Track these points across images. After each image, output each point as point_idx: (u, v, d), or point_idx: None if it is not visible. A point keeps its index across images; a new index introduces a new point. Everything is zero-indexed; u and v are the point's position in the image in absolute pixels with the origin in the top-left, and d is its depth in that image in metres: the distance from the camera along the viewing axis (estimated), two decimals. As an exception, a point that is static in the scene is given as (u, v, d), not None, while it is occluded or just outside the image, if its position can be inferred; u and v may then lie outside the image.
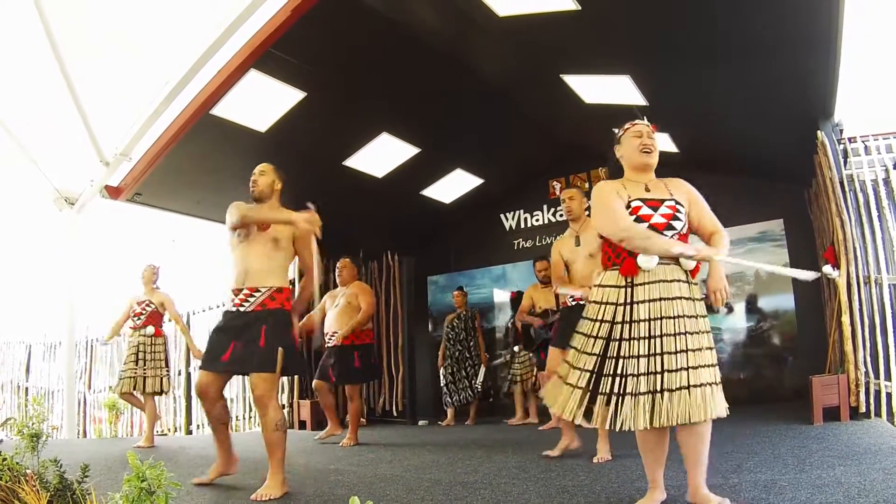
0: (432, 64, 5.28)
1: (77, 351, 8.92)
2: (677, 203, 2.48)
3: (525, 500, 2.76)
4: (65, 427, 7.27)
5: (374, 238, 8.22)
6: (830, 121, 4.90)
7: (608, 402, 2.30)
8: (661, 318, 2.31)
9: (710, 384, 2.27)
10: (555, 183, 7.86)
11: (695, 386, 2.24)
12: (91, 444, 6.43)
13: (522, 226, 8.16)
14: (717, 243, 2.47)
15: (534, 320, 5.77)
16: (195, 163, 5.88)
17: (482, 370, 7.04)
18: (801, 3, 3.63)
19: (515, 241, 8.18)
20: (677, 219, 2.44)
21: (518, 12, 4.34)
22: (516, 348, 6.87)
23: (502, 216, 8.30)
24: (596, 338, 2.39)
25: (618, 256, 2.45)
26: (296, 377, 7.20)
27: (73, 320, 7.11)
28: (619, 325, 2.35)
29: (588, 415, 2.36)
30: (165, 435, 8.29)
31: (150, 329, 5.57)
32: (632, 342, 2.31)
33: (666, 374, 2.25)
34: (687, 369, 2.25)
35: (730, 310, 6.59)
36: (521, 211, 8.16)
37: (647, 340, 2.30)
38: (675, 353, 2.27)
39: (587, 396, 2.35)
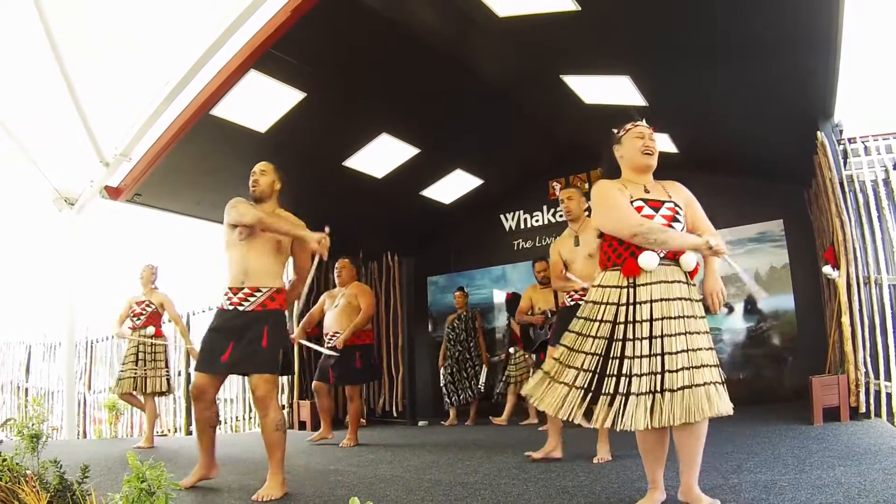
0: (432, 64, 5.28)
1: (77, 351, 8.92)
2: (676, 205, 2.50)
3: (525, 500, 2.76)
4: (65, 428, 7.26)
5: (374, 238, 8.22)
6: (830, 121, 4.90)
7: (612, 403, 2.29)
8: (663, 319, 2.31)
9: (711, 383, 2.27)
10: (555, 183, 7.86)
11: (695, 385, 2.24)
12: (91, 444, 6.42)
13: (522, 226, 8.16)
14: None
15: (533, 320, 5.78)
16: (195, 163, 5.88)
17: (484, 370, 7.04)
18: (801, 3, 3.64)
19: (515, 242, 8.18)
20: (677, 220, 2.45)
21: (518, 13, 4.35)
22: (512, 350, 6.88)
23: (502, 217, 8.30)
24: (597, 338, 2.38)
25: (618, 257, 2.44)
26: (296, 378, 7.21)
27: (73, 321, 7.10)
28: (623, 326, 2.34)
29: (588, 415, 2.36)
30: (165, 435, 8.29)
31: (151, 329, 5.57)
32: (635, 342, 2.31)
33: (667, 374, 2.25)
34: (688, 369, 2.25)
35: (730, 310, 6.59)
36: (521, 211, 8.17)
37: (648, 341, 2.30)
38: (677, 353, 2.27)
39: (589, 397, 2.34)
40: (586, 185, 7.30)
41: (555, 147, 7.32)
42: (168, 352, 5.81)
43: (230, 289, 3.22)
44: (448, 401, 7.15)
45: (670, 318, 2.31)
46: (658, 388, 2.24)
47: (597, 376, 2.34)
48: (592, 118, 5.91)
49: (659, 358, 2.27)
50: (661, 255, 2.39)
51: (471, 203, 8.00)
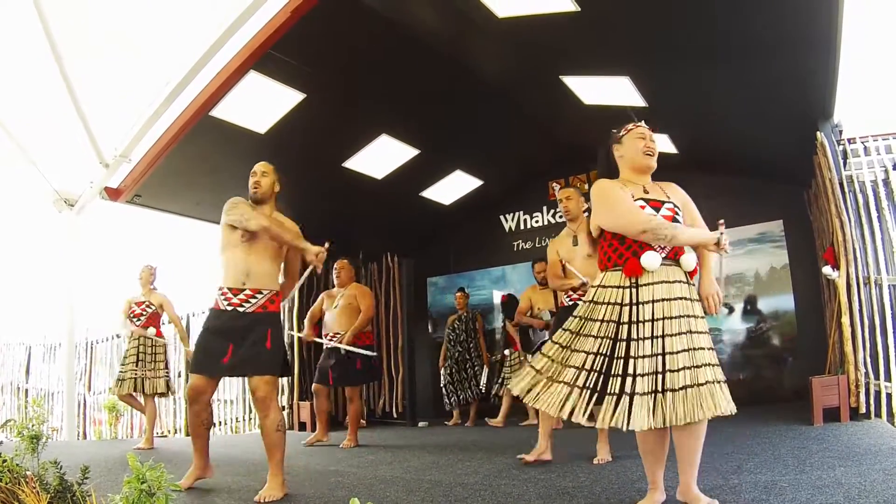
0: (432, 65, 5.28)
1: (77, 352, 8.91)
2: (675, 206, 2.51)
3: (525, 501, 2.76)
4: (65, 429, 7.26)
5: (374, 239, 8.22)
6: (830, 121, 4.90)
7: (617, 403, 2.27)
8: (664, 319, 2.31)
9: (713, 383, 2.27)
10: (554, 184, 7.78)
11: (698, 385, 2.24)
12: (91, 445, 6.42)
13: (522, 227, 8.16)
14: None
15: (533, 322, 5.78)
16: (195, 164, 5.88)
17: (485, 371, 7.04)
18: (801, 3, 3.64)
19: (515, 243, 8.18)
20: (676, 221, 2.46)
21: (517, 13, 4.35)
22: (507, 351, 6.88)
23: (502, 217, 8.30)
24: (599, 337, 2.36)
25: (619, 257, 2.44)
26: (296, 379, 7.21)
27: (73, 322, 7.10)
28: (626, 326, 2.34)
29: (589, 415, 2.35)
30: (165, 437, 8.29)
31: (152, 330, 5.58)
32: (638, 342, 2.30)
33: (669, 373, 2.25)
34: (689, 368, 2.25)
35: (730, 310, 6.59)
36: (521, 212, 8.17)
37: (651, 340, 2.30)
38: (678, 352, 2.27)
39: (594, 397, 2.32)
40: (586, 186, 7.29)
41: (555, 148, 7.32)
42: (168, 353, 5.82)
43: (229, 289, 3.20)
44: (448, 401, 7.16)
45: (671, 317, 2.31)
46: (660, 388, 2.24)
47: (601, 376, 2.33)
48: (592, 119, 5.91)
49: (660, 358, 2.27)
50: (663, 255, 2.39)
51: (471, 204, 8.00)
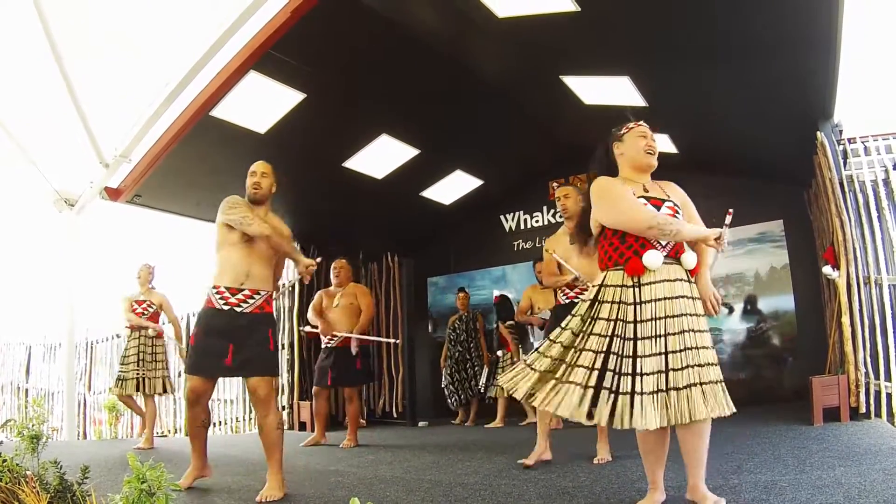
0: (432, 65, 5.28)
1: (77, 352, 8.91)
2: (675, 204, 2.51)
3: (525, 501, 2.76)
4: (65, 428, 7.27)
5: (374, 239, 8.22)
6: (830, 121, 4.90)
7: (627, 402, 2.25)
8: (666, 318, 2.31)
9: (715, 382, 2.27)
10: (554, 184, 7.85)
11: (700, 384, 2.24)
12: (91, 445, 6.42)
13: (522, 227, 8.16)
14: (705, 247, 2.50)
15: (533, 320, 5.78)
16: (195, 164, 5.88)
17: (485, 371, 7.05)
18: (801, 3, 3.64)
19: (515, 243, 8.18)
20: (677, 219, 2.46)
21: (518, 13, 4.34)
22: (500, 352, 6.89)
23: (502, 217, 8.30)
24: (608, 336, 2.35)
25: (620, 256, 2.44)
26: (296, 379, 7.21)
27: (73, 322, 7.10)
28: (632, 325, 2.33)
29: (590, 415, 2.34)
30: (165, 436, 8.29)
31: (152, 330, 5.58)
32: (643, 341, 2.30)
33: (672, 372, 2.25)
34: (693, 367, 2.25)
35: (730, 310, 6.59)
36: (521, 212, 8.16)
37: (653, 340, 2.29)
38: (681, 351, 2.27)
39: (610, 396, 2.29)
40: (586, 186, 7.27)
41: (555, 148, 7.31)
42: (168, 352, 5.82)
43: (227, 288, 3.18)
44: (450, 401, 7.17)
45: (674, 316, 2.31)
46: (665, 387, 2.24)
47: (615, 376, 2.31)
48: (592, 119, 5.91)
49: (663, 357, 2.27)
50: (664, 253, 2.39)
51: (471, 204, 8.00)
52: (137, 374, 5.41)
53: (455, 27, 4.95)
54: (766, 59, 4.23)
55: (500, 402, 6.74)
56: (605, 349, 2.34)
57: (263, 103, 5.23)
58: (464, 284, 8.00)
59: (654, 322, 2.31)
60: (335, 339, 5.42)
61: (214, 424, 8.09)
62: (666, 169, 2.65)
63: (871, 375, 4.35)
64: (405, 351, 7.91)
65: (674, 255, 2.43)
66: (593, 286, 2.51)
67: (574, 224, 3.85)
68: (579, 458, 3.82)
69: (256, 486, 3.15)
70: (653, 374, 2.26)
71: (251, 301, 3.19)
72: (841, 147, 4.94)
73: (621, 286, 2.40)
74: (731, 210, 2.43)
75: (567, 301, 3.81)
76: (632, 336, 2.32)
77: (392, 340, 5.32)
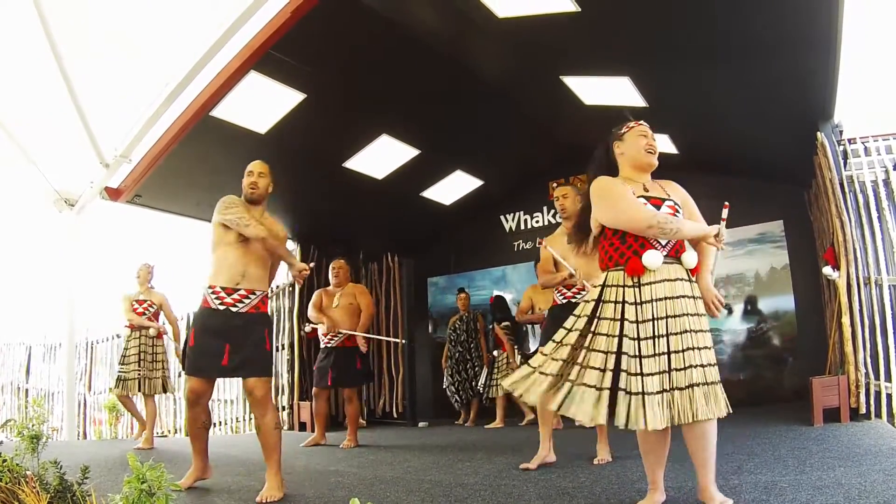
0: (432, 65, 5.28)
1: (77, 352, 8.91)
2: (675, 203, 2.51)
3: (525, 501, 2.76)
4: (65, 428, 7.26)
5: (375, 240, 8.22)
6: (830, 122, 4.90)
7: (631, 403, 2.24)
8: (668, 317, 2.31)
9: (716, 382, 2.27)
10: (555, 184, 7.85)
11: (703, 384, 2.24)
12: (91, 445, 6.42)
13: (522, 227, 8.16)
14: (706, 248, 2.50)
15: (534, 319, 5.78)
16: (195, 165, 5.88)
17: (485, 371, 7.05)
18: (801, 3, 3.64)
19: (515, 243, 8.18)
20: (677, 219, 2.46)
21: (518, 13, 4.34)
22: (496, 353, 6.88)
23: (502, 218, 8.30)
24: (614, 336, 2.34)
25: (621, 256, 2.43)
26: (296, 379, 7.21)
27: (73, 322, 7.10)
28: (634, 325, 2.32)
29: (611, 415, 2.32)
30: (165, 436, 8.29)
31: (153, 329, 5.58)
32: (645, 342, 2.30)
33: (674, 372, 2.25)
34: (694, 367, 2.25)
35: (730, 311, 6.59)
36: (522, 212, 8.17)
37: (655, 340, 2.29)
38: (683, 350, 2.27)
39: (630, 398, 2.27)
40: (585, 186, 7.26)
41: (555, 148, 7.31)
42: (168, 352, 5.83)
43: (223, 288, 3.17)
44: (453, 400, 7.18)
45: (675, 316, 2.31)
46: (668, 387, 2.24)
47: (620, 376, 2.30)
48: (592, 119, 5.91)
49: (665, 357, 2.27)
50: (664, 253, 2.39)
51: (471, 204, 8.00)
52: (139, 374, 5.41)
53: (455, 27, 4.95)
54: (766, 59, 4.23)
55: (499, 403, 6.75)
56: (615, 349, 2.32)
57: (263, 103, 5.23)
58: (464, 285, 8.01)
59: (655, 322, 2.31)
60: (335, 338, 5.42)
61: (214, 425, 8.08)
62: (666, 169, 2.65)
63: (872, 376, 4.35)
64: (405, 351, 7.91)
65: (674, 255, 2.43)
66: (595, 286, 2.51)
67: (572, 224, 3.83)
68: (579, 458, 3.82)
69: (256, 486, 3.15)
70: (657, 374, 2.25)
71: (247, 301, 3.19)
72: (841, 147, 4.94)
73: (622, 286, 2.39)
74: (727, 203, 2.43)
75: (564, 301, 3.79)
76: (635, 336, 2.32)
77: (397, 340, 5.34)
